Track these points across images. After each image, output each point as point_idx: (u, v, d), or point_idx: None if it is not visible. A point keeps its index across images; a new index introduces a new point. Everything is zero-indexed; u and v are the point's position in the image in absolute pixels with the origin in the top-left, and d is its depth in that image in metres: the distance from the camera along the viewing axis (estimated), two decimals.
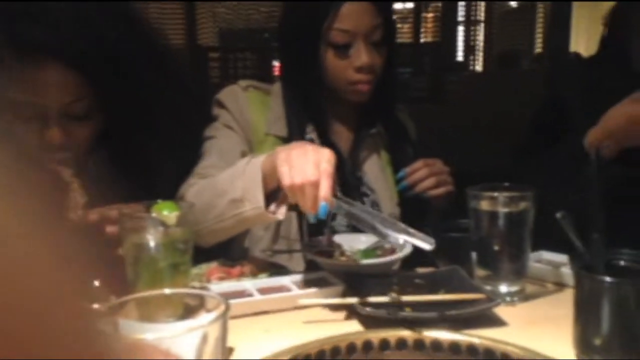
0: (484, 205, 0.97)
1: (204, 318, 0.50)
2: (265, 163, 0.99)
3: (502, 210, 0.96)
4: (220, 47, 5.39)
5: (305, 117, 1.31)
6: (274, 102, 1.33)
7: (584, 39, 5.08)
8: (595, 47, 1.48)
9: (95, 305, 0.53)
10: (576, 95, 1.45)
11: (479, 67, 6.76)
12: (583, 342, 0.76)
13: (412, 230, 0.93)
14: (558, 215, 0.88)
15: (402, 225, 0.94)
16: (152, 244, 0.82)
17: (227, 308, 0.47)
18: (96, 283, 0.56)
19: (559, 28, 4.33)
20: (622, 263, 0.77)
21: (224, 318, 0.47)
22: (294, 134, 1.29)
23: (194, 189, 1.11)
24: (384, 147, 1.40)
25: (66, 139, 1.05)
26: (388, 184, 1.37)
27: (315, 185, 0.90)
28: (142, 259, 0.83)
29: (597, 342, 0.74)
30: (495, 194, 0.97)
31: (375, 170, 1.37)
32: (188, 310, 0.57)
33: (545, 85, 1.79)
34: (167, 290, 0.52)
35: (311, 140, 1.28)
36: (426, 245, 0.91)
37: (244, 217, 1.01)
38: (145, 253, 0.83)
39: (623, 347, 0.73)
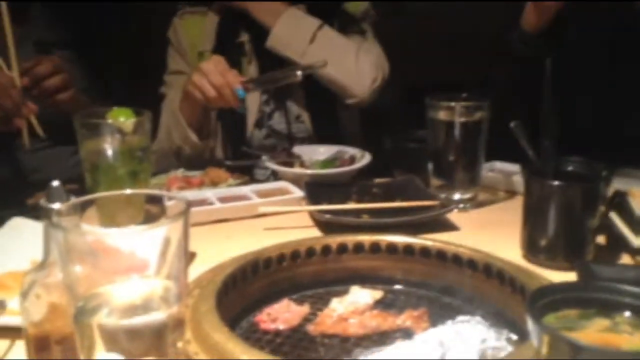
0: (441, 115, 0.99)
1: (165, 220, 0.50)
2: (181, 105, 1.22)
3: (459, 119, 0.98)
4: None
5: (239, 25, 1.34)
6: (209, 20, 1.37)
7: None
8: None
9: (57, 205, 0.53)
10: None
11: None
12: (530, 243, 0.80)
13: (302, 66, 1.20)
14: (512, 124, 0.90)
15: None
16: (109, 151, 0.81)
17: (188, 208, 0.48)
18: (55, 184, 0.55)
19: None
20: (570, 169, 0.80)
21: (185, 218, 0.47)
22: (222, 43, 1.33)
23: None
24: None
25: None
26: None
27: (223, 86, 1.11)
28: (99, 166, 0.82)
29: (543, 242, 0.78)
30: (452, 104, 0.98)
31: None
32: (149, 217, 0.57)
33: None
34: (127, 191, 0.52)
35: (240, 45, 1.32)
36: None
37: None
38: (102, 160, 0.81)
39: (566, 247, 0.78)
